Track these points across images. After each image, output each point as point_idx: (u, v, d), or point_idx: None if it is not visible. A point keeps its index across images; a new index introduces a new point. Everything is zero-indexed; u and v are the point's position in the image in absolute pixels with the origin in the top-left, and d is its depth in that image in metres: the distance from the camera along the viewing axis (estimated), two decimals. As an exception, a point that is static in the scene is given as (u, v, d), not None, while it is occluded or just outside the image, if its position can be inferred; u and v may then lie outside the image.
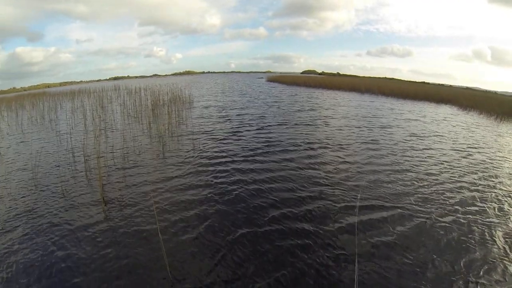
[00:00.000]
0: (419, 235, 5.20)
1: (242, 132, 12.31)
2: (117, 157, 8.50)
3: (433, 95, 32.91)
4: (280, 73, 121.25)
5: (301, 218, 5.56)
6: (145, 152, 9.13)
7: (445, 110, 24.86)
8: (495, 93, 58.41)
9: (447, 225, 5.59)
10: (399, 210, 6.01)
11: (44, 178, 7.39)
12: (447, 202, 6.58)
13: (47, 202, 6.02)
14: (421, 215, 5.91)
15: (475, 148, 11.96)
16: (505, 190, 7.60)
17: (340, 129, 13.69)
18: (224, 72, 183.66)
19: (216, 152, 9.37)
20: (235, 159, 8.73)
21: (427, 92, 34.68)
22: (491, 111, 23.77)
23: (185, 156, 8.87)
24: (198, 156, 8.89)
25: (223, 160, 8.63)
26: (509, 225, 5.80)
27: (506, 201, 6.93)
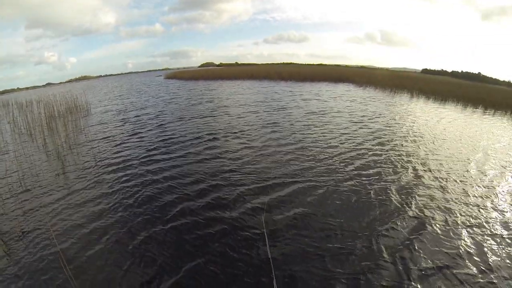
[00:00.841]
0: (324, 204, 5.56)
1: (142, 132, 11.93)
2: (12, 183, 7.36)
3: (330, 75, 35.40)
4: (178, 68, 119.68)
5: (208, 208, 5.56)
6: (43, 171, 8.14)
7: (342, 88, 26.94)
8: (387, 69, 65.28)
9: (349, 190, 6.06)
10: (303, 184, 6.36)
11: None
12: (347, 169, 7.15)
13: None
14: (324, 184, 6.32)
15: (371, 118, 13.22)
16: (397, 151, 8.59)
17: (240, 117, 13.98)
18: (121, 74, 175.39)
19: (116, 157, 8.89)
20: (136, 161, 8.39)
21: (324, 73, 37.19)
22: (385, 86, 26.51)
23: (85, 167, 8.18)
24: (98, 165, 8.28)
25: (124, 164, 8.22)
26: (401, 181, 6.53)
27: (398, 161, 7.80)
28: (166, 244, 4.52)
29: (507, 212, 5.39)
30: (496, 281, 3.63)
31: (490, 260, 4.00)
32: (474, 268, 3.83)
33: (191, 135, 10.88)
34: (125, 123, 14.26)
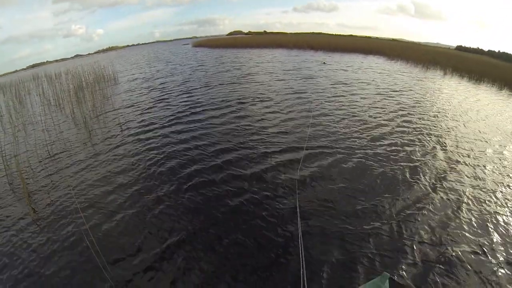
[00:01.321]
0: (340, 167, 5.92)
1: (168, 98, 12.24)
2: (40, 149, 7.78)
3: (361, 47, 34.80)
4: (206, 37, 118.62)
5: (233, 165, 6.01)
6: (70, 139, 8.53)
7: (372, 60, 26.58)
8: (419, 44, 63.18)
9: (365, 157, 6.38)
10: (323, 150, 6.68)
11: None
12: (368, 138, 7.44)
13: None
14: (342, 150, 6.66)
15: (398, 91, 13.19)
16: (419, 125, 8.72)
17: (268, 84, 14.15)
18: (149, 43, 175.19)
19: (141, 122, 9.30)
20: (161, 125, 8.78)
21: (355, 44, 36.52)
22: (417, 60, 25.87)
23: (111, 133, 8.57)
24: (124, 131, 8.67)
25: (148, 128, 8.66)
26: (417, 152, 6.80)
27: (420, 134, 7.97)
28: (182, 203, 4.86)
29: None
30: (493, 261, 3.72)
31: (486, 241, 4.07)
32: (470, 246, 3.95)
33: (217, 100, 11.19)
34: (151, 90, 14.60)
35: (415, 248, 3.85)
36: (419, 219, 4.43)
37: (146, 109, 10.78)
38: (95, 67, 22.15)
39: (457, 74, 21.43)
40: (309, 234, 4.04)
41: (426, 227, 4.28)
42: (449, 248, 3.88)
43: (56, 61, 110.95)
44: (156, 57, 38.67)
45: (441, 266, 3.59)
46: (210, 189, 5.20)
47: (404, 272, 3.46)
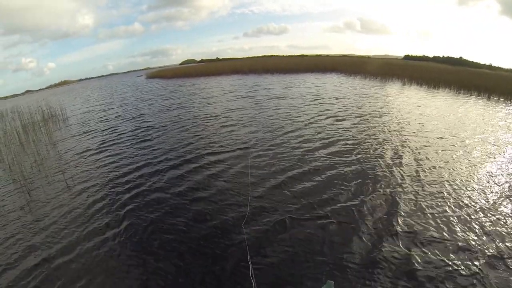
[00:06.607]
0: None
1: (121, 132, 11.62)
2: None
3: (315, 65, 35.22)
4: (160, 67, 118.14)
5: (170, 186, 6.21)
6: (6, 196, 6.86)
7: (331, 78, 26.57)
8: (369, 57, 65.10)
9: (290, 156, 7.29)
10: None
11: None
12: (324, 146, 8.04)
13: None
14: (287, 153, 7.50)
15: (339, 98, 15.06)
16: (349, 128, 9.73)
17: (223, 107, 14.59)
18: (102, 76, 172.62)
19: (90, 166, 8.18)
20: (110, 169, 7.77)
21: (309, 63, 36.80)
22: (374, 74, 26.32)
23: (54, 184, 7.17)
24: (68, 180, 7.25)
25: (97, 172, 7.63)
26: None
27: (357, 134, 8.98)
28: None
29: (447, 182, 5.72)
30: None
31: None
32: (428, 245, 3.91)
33: (165, 123, 12.11)
34: (104, 124, 13.89)
35: (357, 254, 3.82)
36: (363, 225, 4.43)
37: (97, 149, 9.67)
38: (43, 105, 20.47)
39: (414, 83, 21.79)
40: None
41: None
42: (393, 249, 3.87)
43: (6, 97, 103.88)
44: (110, 91, 37.59)
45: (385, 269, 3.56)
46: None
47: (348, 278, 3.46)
